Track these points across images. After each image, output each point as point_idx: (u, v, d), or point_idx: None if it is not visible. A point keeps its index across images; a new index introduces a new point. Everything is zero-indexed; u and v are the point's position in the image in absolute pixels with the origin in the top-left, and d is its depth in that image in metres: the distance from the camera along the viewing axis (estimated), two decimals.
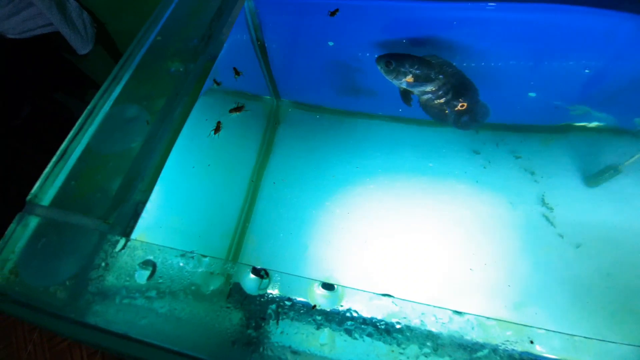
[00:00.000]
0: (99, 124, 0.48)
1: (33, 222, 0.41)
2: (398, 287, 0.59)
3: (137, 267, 0.38)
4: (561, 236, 0.61)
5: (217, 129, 0.65)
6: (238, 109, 0.70)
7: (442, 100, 0.65)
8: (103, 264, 0.38)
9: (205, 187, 0.69)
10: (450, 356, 0.31)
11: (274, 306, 0.35)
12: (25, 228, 0.41)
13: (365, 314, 0.34)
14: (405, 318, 0.33)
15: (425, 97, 0.66)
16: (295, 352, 0.33)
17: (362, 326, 0.33)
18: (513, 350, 0.31)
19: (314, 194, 0.70)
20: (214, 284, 0.36)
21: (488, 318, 0.33)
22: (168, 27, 0.59)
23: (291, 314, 0.34)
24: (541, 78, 0.71)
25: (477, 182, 0.67)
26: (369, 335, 0.33)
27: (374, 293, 0.35)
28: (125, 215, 0.42)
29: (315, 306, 0.35)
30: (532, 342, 0.31)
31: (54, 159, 0.45)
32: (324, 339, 0.33)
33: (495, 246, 0.62)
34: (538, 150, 0.69)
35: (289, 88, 0.84)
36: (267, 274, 0.36)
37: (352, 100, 0.82)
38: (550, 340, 0.32)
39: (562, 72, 0.70)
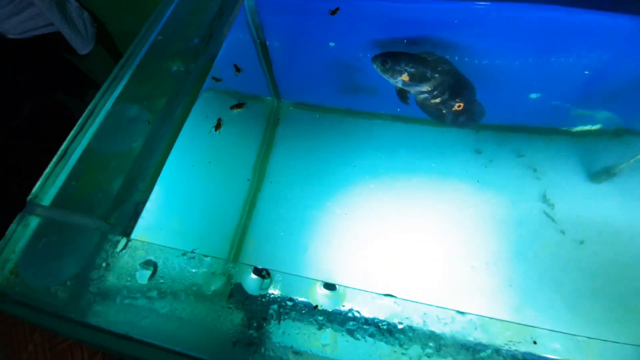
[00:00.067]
0: (99, 123, 0.48)
1: (34, 222, 0.41)
2: (399, 287, 0.59)
3: (138, 267, 0.37)
4: (563, 233, 0.61)
5: (217, 126, 0.65)
6: (239, 105, 0.70)
7: (438, 100, 0.65)
8: (104, 264, 0.38)
9: (205, 188, 0.69)
10: (452, 357, 0.31)
11: (275, 306, 0.35)
12: (25, 228, 0.41)
13: (367, 314, 0.34)
14: (407, 318, 0.33)
15: (422, 96, 0.66)
16: (297, 353, 0.33)
17: (364, 326, 0.33)
18: (516, 350, 0.31)
19: (314, 194, 0.70)
20: (215, 284, 0.36)
21: (491, 318, 0.33)
22: (169, 26, 0.59)
23: (293, 314, 0.34)
24: (542, 79, 0.71)
25: (478, 181, 0.67)
26: (371, 335, 0.33)
27: (376, 293, 0.35)
28: (126, 215, 0.42)
29: (317, 306, 0.34)
30: (535, 343, 0.31)
31: (55, 158, 0.45)
32: (326, 339, 0.33)
33: (497, 245, 0.62)
34: (540, 149, 0.69)
35: (290, 88, 0.84)
36: (268, 274, 0.36)
37: (352, 100, 0.82)
38: (553, 341, 0.31)
39: (563, 73, 0.70)
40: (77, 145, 0.46)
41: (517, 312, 0.57)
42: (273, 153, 0.76)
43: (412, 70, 0.63)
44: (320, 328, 0.34)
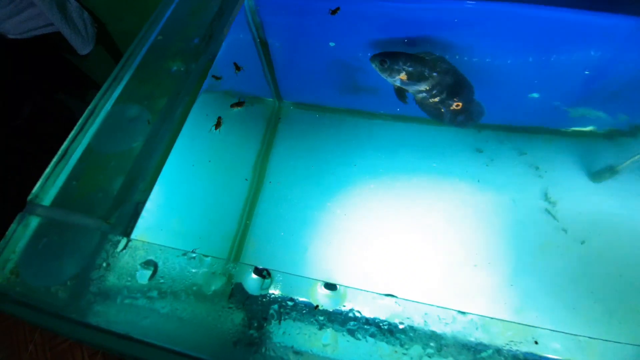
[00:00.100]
0: (100, 123, 0.48)
1: (34, 222, 0.41)
2: (400, 287, 0.59)
3: (139, 267, 0.37)
4: (565, 231, 0.61)
5: (218, 124, 0.65)
6: (239, 103, 0.70)
7: (436, 99, 0.65)
8: (104, 264, 0.38)
9: (206, 188, 0.69)
10: (454, 357, 0.31)
11: (276, 306, 0.35)
12: (26, 228, 0.41)
13: (368, 314, 0.34)
14: (408, 318, 0.33)
15: (421, 95, 0.66)
16: (297, 353, 0.33)
17: (365, 326, 0.33)
18: (517, 350, 0.31)
19: (314, 194, 0.70)
20: (216, 284, 0.36)
21: (492, 318, 0.32)
22: (169, 26, 0.59)
23: (293, 314, 0.34)
24: (543, 78, 0.71)
25: (479, 181, 0.67)
26: (372, 335, 0.33)
27: (376, 293, 0.35)
28: (126, 215, 0.42)
29: (317, 306, 0.34)
30: (536, 343, 0.31)
31: (55, 158, 0.45)
32: (326, 339, 0.33)
33: (498, 245, 0.62)
34: (542, 147, 0.69)
35: (291, 88, 0.83)
36: (269, 274, 0.36)
37: (353, 100, 0.82)
38: (554, 340, 0.31)
39: (563, 72, 0.70)
40: (77, 145, 0.46)
41: (518, 312, 0.56)
42: (273, 153, 0.76)
43: (411, 69, 0.64)
44: (321, 328, 0.33)
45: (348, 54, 0.78)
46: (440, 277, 0.60)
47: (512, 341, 0.32)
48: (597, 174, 0.66)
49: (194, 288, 0.36)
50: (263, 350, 0.33)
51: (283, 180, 0.72)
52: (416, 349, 0.32)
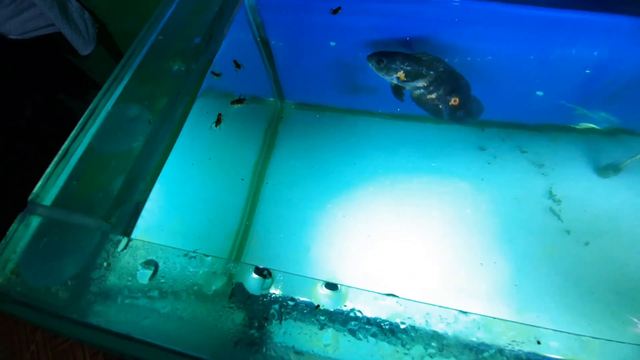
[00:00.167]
0: (100, 123, 0.48)
1: (35, 221, 0.41)
2: (401, 287, 0.59)
3: (139, 266, 0.37)
4: (568, 232, 0.60)
5: (218, 121, 0.64)
6: (240, 100, 0.69)
7: (433, 96, 0.66)
8: (105, 264, 0.38)
9: (207, 188, 0.69)
10: (455, 357, 0.31)
11: (276, 306, 0.34)
12: (26, 228, 0.41)
13: (369, 314, 0.34)
14: (409, 318, 0.33)
15: (417, 92, 0.67)
16: (298, 353, 0.32)
17: (366, 326, 0.33)
18: (520, 350, 0.31)
19: (315, 194, 0.70)
20: (217, 284, 0.36)
21: (494, 318, 0.32)
22: (169, 26, 0.59)
23: (294, 314, 0.34)
24: (545, 77, 0.71)
25: (482, 179, 0.67)
26: (373, 335, 0.33)
27: (378, 293, 0.35)
28: (126, 215, 0.42)
29: (318, 306, 0.34)
30: (539, 343, 0.31)
31: (56, 158, 0.45)
32: (327, 339, 0.33)
33: (500, 245, 0.62)
34: (546, 144, 0.69)
35: (292, 88, 0.83)
36: (269, 273, 0.36)
37: (353, 99, 0.82)
38: (557, 340, 0.31)
39: (564, 71, 0.70)
40: (78, 145, 0.46)
41: (521, 312, 0.56)
42: (274, 154, 0.76)
43: (408, 68, 0.64)
44: (322, 328, 0.33)
45: (349, 53, 0.78)
46: (442, 277, 0.60)
47: (514, 341, 0.31)
48: (603, 171, 0.65)
49: (195, 288, 0.36)
50: (264, 350, 0.33)
51: (284, 180, 0.72)
52: (418, 349, 0.32)
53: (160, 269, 0.37)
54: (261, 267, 0.36)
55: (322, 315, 0.34)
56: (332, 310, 0.34)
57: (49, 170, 0.45)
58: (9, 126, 0.97)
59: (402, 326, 0.33)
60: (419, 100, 0.68)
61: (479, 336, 0.32)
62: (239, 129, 0.75)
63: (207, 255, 0.38)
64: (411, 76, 0.65)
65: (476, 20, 0.69)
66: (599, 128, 0.70)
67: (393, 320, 0.33)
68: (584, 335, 0.31)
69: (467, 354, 0.31)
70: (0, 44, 0.91)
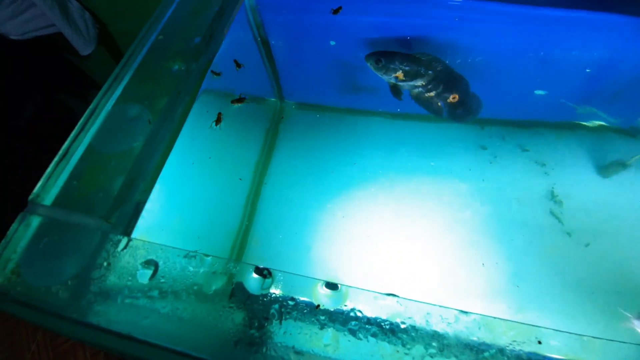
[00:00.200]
0: (100, 123, 0.48)
1: (35, 221, 0.41)
2: (401, 286, 0.59)
3: (139, 266, 0.37)
4: (569, 235, 0.60)
5: (218, 120, 0.64)
6: (240, 100, 0.69)
7: (432, 94, 0.66)
8: (105, 264, 0.38)
9: (207, 188, 0.69)
10: (456, 356, 0.31)
11: (277, 306, 0.34)
12: (27, 228, 0.41)
13: (370, 313, 0.34)
14: (410, 318, 0.33)
15: (416, 91, 0.67)
16: (298, 353, 0.32)
17: (367, 326, 0.33)
18: (520, 350, 0.31)
19: (315, 194, 0.70)
20: (217, 284, 0.36)
21: (495, 318, 0.32)
22: (169, 26, 0.59)
23: (294, 313, 0.34)
24: (547, 76, 0.71)
25: (483, 180, 0.67)
26: (374, 335, 0.33)
27: (378, 293, 0.34)
28: (126, 215, 0.42)
29: (318, 306, 0.34)
30: (540, 342, 0.31)
31: (56, 158, 0.45)
32: (327, 339, 0.33)
33: (500, 245, 0.62)
34: (547, 143, 0.69)
35: (292, 88, 0.83)
36: (270, 273, 0.36)
37: (353, 98, 0.82)
38: (557, 340, 0.31)
39: (566, 70, 0.70)
40: (78, 145, 0.46)
41: (522, 312, 0.56)
42: (275, 154, 0.76)
43: (406, 68, 0.64)
44: (322, 328, 0.33)
45: (349, 53, 0.78)
46: (442, 277, 0.60)
47: (515, 341, 0.31)
48: (604, 171, 0.65)
49: (195, 287, 0.36)
50: (264, 350, 0.33)
51: (284, 179, 0.72)
52: (418, 349, 0.32)
53: (160, 268, 0.37)
54: (261, 266, 0.36)
55: (322, 315, 0.34)
56: (332, 310, 0.34)
57: (49, 170, 0.45)
58: (10, 126, 0.97)
59: (403, 326, 0.33)
60: (418, 99, 0.68)
61: (479, 336, 0.32)
62: (240, 129, 0.75)
63: (207, 255, 0.38)
64: (410, 76, 0.65)
65: (477, 20, 0.69)
66: (605, 124, 0.69)
67: (393, 320, 0.33)
68: (585, 335, 0.31)
69: (467, 354, 0.31)
70: (1, 44, 0.91)
